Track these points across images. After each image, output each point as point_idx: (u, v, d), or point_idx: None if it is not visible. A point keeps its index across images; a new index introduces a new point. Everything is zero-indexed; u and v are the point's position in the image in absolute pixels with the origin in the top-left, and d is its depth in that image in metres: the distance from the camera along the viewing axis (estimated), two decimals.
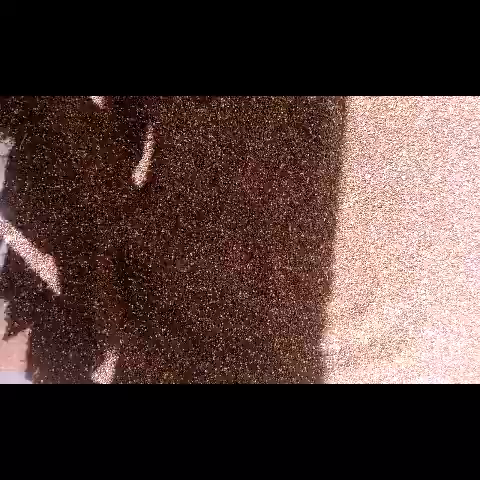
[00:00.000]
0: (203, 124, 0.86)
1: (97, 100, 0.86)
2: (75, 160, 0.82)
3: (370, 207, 0.83)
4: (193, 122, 0.87)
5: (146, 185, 0.85)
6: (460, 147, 0.85)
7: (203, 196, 0.85)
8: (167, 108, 0.86)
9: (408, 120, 0.88)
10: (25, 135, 0.84)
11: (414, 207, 0.84)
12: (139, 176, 0.85)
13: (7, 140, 0.84)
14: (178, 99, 0.87)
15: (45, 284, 0.82)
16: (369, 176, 0.83)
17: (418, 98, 0.89)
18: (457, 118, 0.86)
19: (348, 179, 0.85)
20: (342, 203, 0.85)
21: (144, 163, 0.85)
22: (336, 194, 0.87)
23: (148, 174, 0.84)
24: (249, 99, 0.90)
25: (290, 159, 0.88)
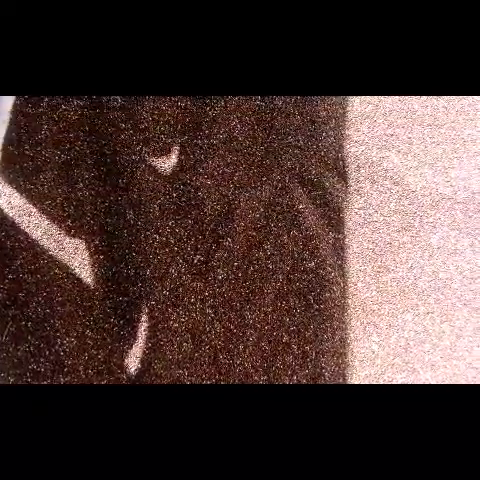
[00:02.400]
0: (200, 299, 0.82)
1: (88, 279, 0.81)
2: (63, 350, 0.76)
3: (381, 380, 0.78)
4: (190, 298, 0.82)
5: (140, 372, 0.78)
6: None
7: (203, 379, 0.79)
8: (162, 285, 0.82)
9: (409, 282, 0.87)
10: (9, 323, 0.78)
11: (426, 376, 0.79)
12: (133, 362, 0.78)
13: None
14: (173, 274, 0.84)
15: None
16: (377, 347, 0.78)
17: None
18: None
19: (355, 350, 0.80)
20: (351, 378, 0.80)
21: (138, 348, 0.79)
22: (345, 368, 0.82)
23: (143, 360, 0.78)
24: (246, 268, 0.88)
25: (293, 331, 0.83)
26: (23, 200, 0.85)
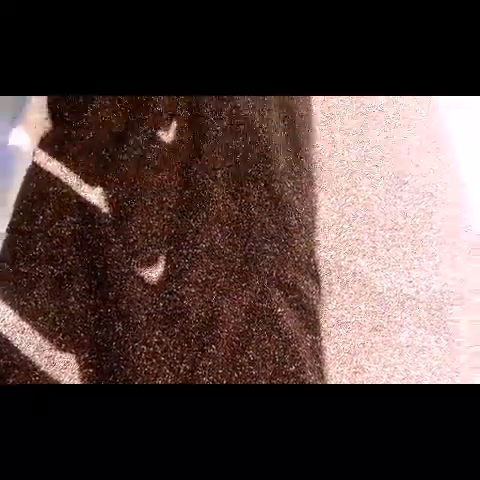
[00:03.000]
0: None
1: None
2: None
3: None
4: None
5: None
6: None
7: None
8: None
9: (383, 381, 0.92)
10: None
11: None
12: None
13: None
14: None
15: None
16: None
17: None
18: None
19: None
20: None
21: None
22: None
23: None
24: (231, 375, 0.91)
25: None
26: (16, 317, 0.88)
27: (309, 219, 1.13)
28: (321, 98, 1.34)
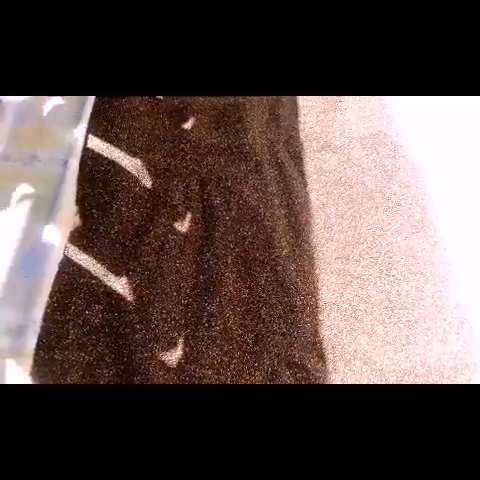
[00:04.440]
0: None
1: None
2: None
3: None
4: None
5: None
6: None
7: None
8: None
9: None
10: None
11: None
12: None
13: None
14: None
15: None
16: None
17: None
18: None
19: None
20: None
21: None
22: None
23: None
24: None
25: None
26: None
27: (312, 299, 1.24)
28: (317, 185, 1.50)
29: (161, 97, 1.61)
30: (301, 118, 1.65)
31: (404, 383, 1.10)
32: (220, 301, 1.18)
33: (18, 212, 1.29)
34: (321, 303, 1.22)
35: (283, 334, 1.15)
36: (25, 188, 1.33)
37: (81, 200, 1.31)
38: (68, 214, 1.30)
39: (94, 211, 1.29)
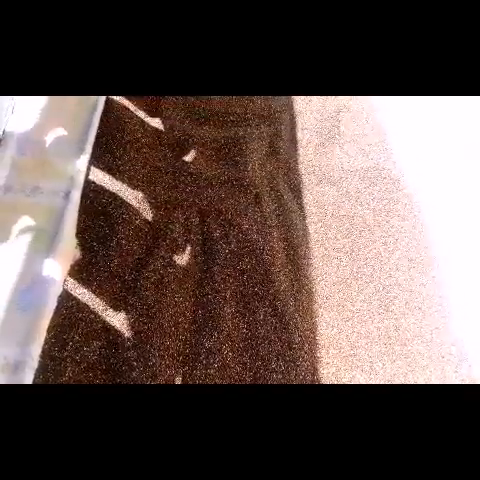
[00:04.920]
0: None
1: None
2: None
3: None
4: None
5: None
6: None
7: None
8: None
9: None
10: None
11: None
12: None
13: None
14: None
15: None
16: None
17: None
18: None
19: None
20: None
21: None
22: None
23: None
24: None
25: None
26: None
27: (311, 335, 1.23)
28: (316, 218, 1.51)
29: (163, 129, 1.64)
30: (300, 151, 1.67)
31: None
32: (218, 337, 1.17)
33: (18, 245, 1.29)
34: (320, 339, 1.21)
35: (282, 372, 1.14)
36: (26, 220, 1.33)
37: (82, 233, 1.32)
38: (68, 247, 1.30)
39: (94, 244, 1.29)
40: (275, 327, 1.22)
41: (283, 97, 1.80)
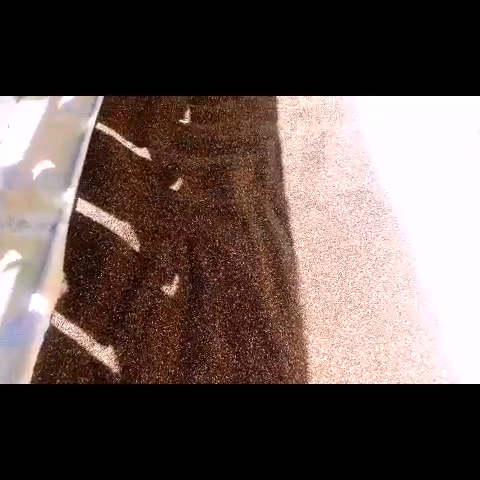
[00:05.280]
0: None
1: None
2: None
3: None
4: None
5: None
6: None
7: None
8: None
9: None
10: None
11: None
12: None
13: None
14: None
15: None
16: None
17: None
18: None
19: None
20: None
21: None
22: None
23: None
24: None
25: None
26: None
27: (301, 363, 1.22)
28: (303, 243, 1.51)
29: (150, 158, 1.65)
30: (286, 176, 1.69)
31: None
32: (208, 369, 1.16)
33: (5, 280, 1.27)
34: (310, 367, 1.20)
35: None
36: (13, 255, 1.32)
37: (69, 266, 1.31)
38: (55, 281, 1.29)
39: (81, 277, 1.28)
40: (265, 356, 1.20)
41: (268, 125, 1.83)
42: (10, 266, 1.31)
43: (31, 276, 1.30)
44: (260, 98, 1.92)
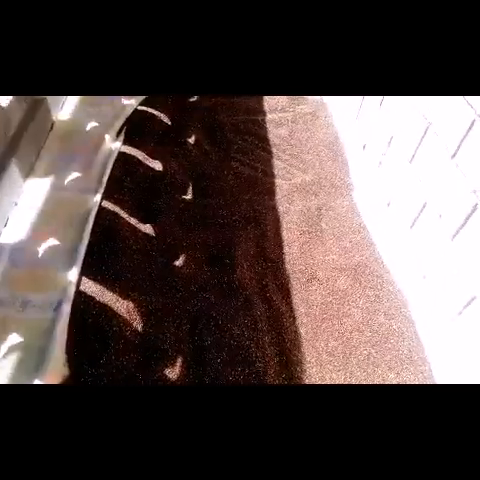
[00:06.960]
0: None
1: None
2: None
3: None
4: None
5: None
6: None
7: None
8: None
9: None
10: None
11: None
12: None
13: None
14: None
15: None
16: None
17: None
18: None
19: None
20: None
21: None
22: None
23: None
24: None
25: None
26: None
27: None
28: (306, 319, 1.49)
29: (154, 235, 1.67)
30: (286, 250, 1.70)
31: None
32: None
33: (6, 365, 1.23)
34: None
35: None
36: (14, 338, 1.29)
37: (71, 349, 1.27)
38: (57, 364, 1.24)
39: (84, 360, 1.25)
40: None
41: (266, 199, 1.87)
42: (11, 350, 1.27)
43: (32, 360, 1.25)
44: (258, 175, 1.98)
